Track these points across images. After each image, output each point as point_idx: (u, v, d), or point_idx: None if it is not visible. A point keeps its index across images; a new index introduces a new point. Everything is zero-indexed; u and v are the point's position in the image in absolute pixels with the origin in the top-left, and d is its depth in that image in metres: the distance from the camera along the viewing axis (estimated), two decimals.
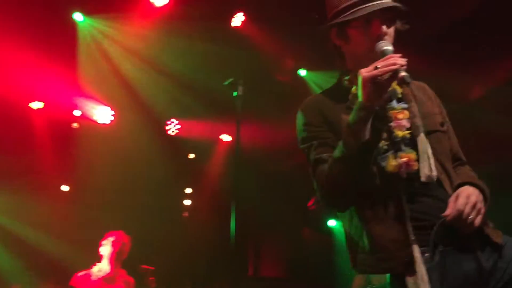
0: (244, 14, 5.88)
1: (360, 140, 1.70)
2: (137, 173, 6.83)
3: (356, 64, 1.88)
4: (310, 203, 5.07)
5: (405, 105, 1.88)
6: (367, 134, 1.70)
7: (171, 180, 7.32)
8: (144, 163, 6.84)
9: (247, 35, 5.89)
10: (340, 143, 1.75)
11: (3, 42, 5.18)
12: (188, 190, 8.16)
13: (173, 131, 7.62)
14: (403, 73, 1.67)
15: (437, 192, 1.81)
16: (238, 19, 5.90)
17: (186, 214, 7.94)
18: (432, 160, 1.80)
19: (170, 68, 6.06)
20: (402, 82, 1.69)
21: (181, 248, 7.29)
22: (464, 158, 2.03)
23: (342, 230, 2.04)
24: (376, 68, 1.68)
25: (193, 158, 7.97)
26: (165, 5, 5.42)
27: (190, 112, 7.19)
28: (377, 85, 1.68)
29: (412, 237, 1.70)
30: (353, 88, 1.88)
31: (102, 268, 4.72)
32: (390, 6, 1.85)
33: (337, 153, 1.76)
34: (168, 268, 6.12)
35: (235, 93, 3.17)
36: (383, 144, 1.80)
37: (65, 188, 6.98)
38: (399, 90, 1.86)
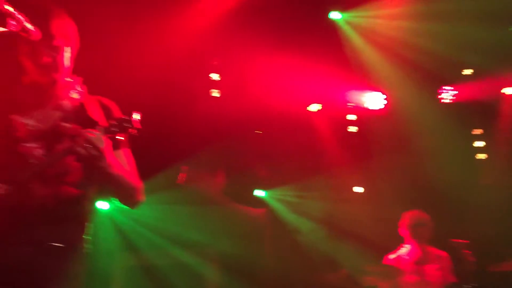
0: None
1: None
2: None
3: None
4: None
5: None
6: None
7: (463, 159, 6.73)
8: (430, 143, 6.45)
9: None
10: None
11: (272, 51, 5.48)
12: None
13: (448, 99, 7.12)
14: None
15: None
16: None
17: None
18: None
19: (436, 32, 5.65)
20: None
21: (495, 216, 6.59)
22: None
23: None
24: None
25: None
26: None
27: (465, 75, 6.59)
28: None
29: None
30: None
31: (409, 250, 4.74)
32: None
33: None
34: (484, 239, 5.64)
35: None
36: None
37: (358, 189, 6.92)
38: None
